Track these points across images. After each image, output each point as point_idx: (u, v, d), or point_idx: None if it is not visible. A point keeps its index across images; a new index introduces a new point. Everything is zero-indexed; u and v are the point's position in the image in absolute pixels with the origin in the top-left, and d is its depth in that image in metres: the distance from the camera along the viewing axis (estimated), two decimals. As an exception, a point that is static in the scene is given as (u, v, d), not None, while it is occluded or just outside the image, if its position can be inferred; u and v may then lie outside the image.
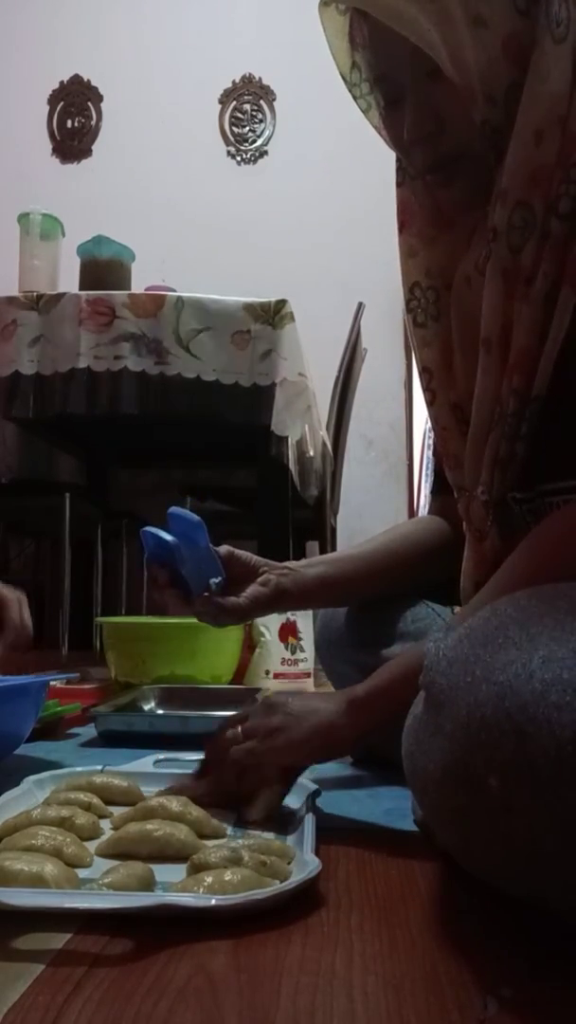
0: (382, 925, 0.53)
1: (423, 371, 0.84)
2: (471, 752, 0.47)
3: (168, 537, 0.80)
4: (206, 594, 0.82)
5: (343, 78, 0.79)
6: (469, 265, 0.76)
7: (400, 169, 0.82)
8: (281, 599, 0.89)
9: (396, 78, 0.73)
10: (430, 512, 1.01)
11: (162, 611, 0.89)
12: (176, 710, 1.35)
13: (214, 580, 0.83)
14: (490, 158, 0.70)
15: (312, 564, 0.94)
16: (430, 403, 0.84)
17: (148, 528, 0.82)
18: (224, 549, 0.86)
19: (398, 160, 0.81)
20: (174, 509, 0.82)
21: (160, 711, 1.37)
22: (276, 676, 1.71)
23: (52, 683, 1.21)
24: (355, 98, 0.80)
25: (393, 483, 3.42)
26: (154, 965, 0.46)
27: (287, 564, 0.92)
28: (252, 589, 0.87)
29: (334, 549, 2.76)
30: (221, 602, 0.84)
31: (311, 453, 2.21)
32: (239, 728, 0.77)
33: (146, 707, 1.36)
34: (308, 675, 1.73)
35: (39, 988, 0.44)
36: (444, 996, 0.43)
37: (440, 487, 0.94)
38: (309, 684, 1.73)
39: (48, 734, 1.21)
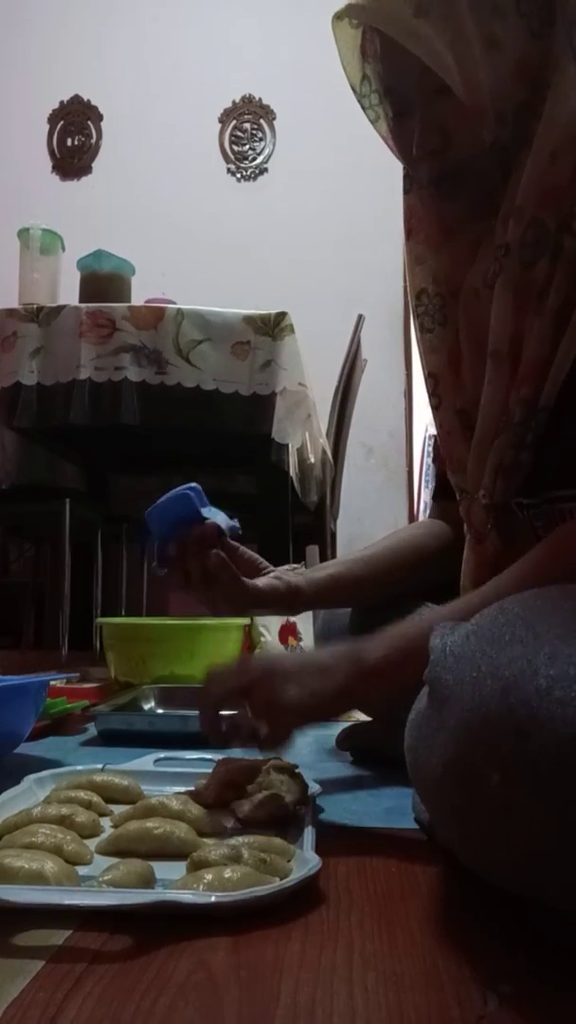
0: (382, 922, 0.52)
1: (429, 376, 0.84)
2: (473, 748, 0.48)
3: (179, 489, 0.83)
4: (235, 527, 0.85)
5: (353, 89, 0.79)
6: (476, 278, 0.77)
7: (407, 176, 0.82)
8: (295, 596, 0.90)
9: (405, 91, 0.73)
10: (431, 516, 1.02)
11: (163, 611, 0.89)
12: (176, 710, 1.34)
13: (233, 522, 0.85)
14: (496, 175, 0.71)
15: (320, 568, 0.95)
16: (435, 408, 0.84)
17: (147, 512, 0.83)
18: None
19: (405, 168, 0.82)
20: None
21: (160, 711, 1.36)
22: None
23: (52, 683, 1.21)
24: (364, 108, 0.80)
25: (393, 489, 3.46)
26: (154, 961, 0.46)
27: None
28: (267, 580, 0.88)
29: (334, 553, 2.78)
30: (244, 583, 0.86)
31: (311, 460, 2.23)
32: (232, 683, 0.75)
33: (146, 707, 1.36)
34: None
35: (39, 984, 0.44)
36: (444, 993, 0.43)
37: (442, 493, 0.95)
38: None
39: (58, 729, 1.23)
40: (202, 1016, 0.41)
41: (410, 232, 0.84)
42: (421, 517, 0.92)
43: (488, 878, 0.52)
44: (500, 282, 0.71)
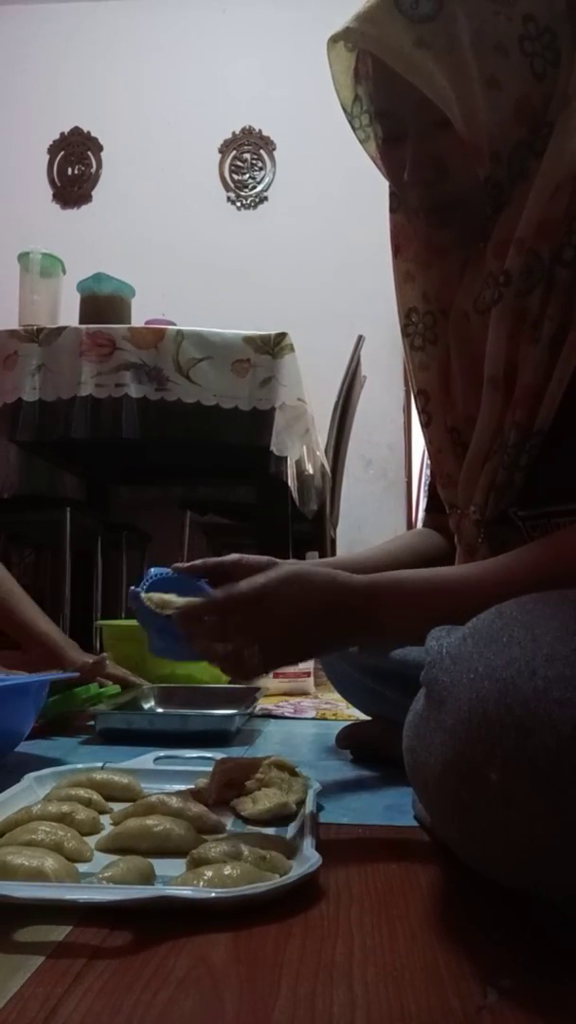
0: (382, 918, 0.53)
1: (419, 393, 0.85)
2: (472, 747, 0.48)
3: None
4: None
5: (344, 109, 0.80)
6: (466, 302, 0.77)
7: (393, 195, 0.82)
8: None
9: (398, 116, 0.73)
10: (424, 526, 1.02)
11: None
12: (175, 709, 1.35)
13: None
14: (487, 209, 0.72)
15: (326, 563, 0.95)
16: (425, 424, 0.85)
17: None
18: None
19: (391, 187, 0.82)
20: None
21: (159, 710, 1.37)
22: (276, 676, 1.71)
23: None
24: (354, 129, 0.81)
25: (392, 498, 3.53)
26: (154, 957, 0.46)
27: None
28: None
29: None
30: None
31: (309, 471, 2.25)
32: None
33: (146, 706, 1.37)
34: (308, 674, 1.73)
35: (39, 979, 0.44)
36: (444, 987, 0.43)
37: (434, 505, 0.96)
38: (309, 684, 1.73)
39: (59, 728, 1.23)
40: (202, 1009, 0.41)
41: (398, 249, 0.84)
42: (417, 525, 0.93)
43: (487, 874, 0.52)
44: (498, 310, 0.72)
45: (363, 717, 1.13)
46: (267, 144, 3.73)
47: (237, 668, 0.70)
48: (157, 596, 0.75)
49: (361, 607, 0.69)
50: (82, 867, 0.60)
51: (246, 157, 3.73)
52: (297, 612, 0.68)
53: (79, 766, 0.86)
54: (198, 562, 0.76)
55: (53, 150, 3.82)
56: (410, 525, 3.43)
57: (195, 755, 0.94)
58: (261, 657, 0.69)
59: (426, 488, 1.02)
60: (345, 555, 1.00)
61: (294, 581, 0.69)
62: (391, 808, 0.78)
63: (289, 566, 0.71)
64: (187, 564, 0.77)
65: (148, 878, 0.57)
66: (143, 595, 0.76)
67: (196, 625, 0.70)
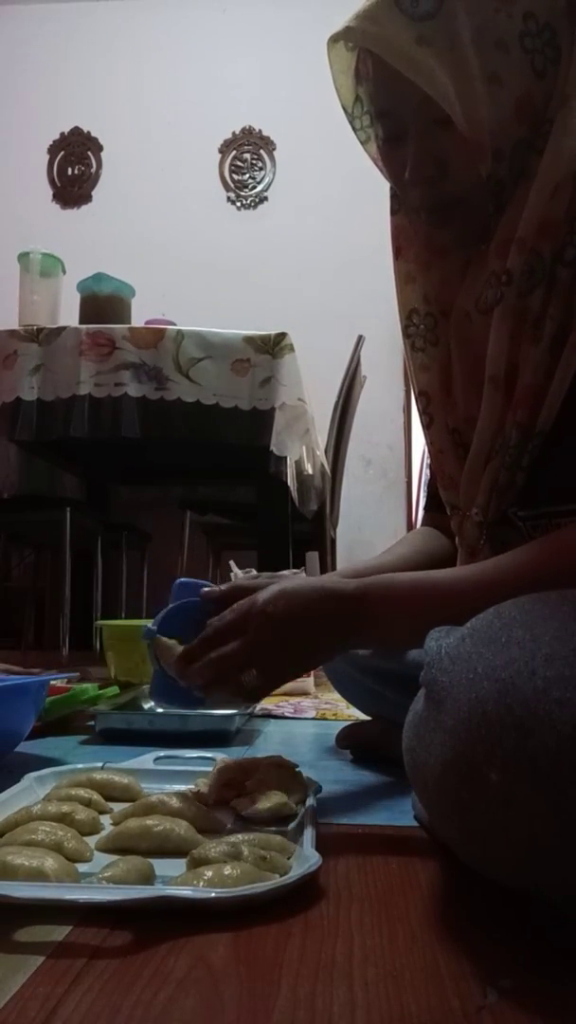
0: (382, 918, 0.53)
1: (420, 395, 0.85)
2: (472, 747, 0.48)
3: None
4: None
5: (344, 110, 0.79)
6: (468, 302, 0.77)
7: (395, 197, 0.82)
8: None
9: (399, 116, 0.73)
10: (423, 524, 1.02)
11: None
12: (175, 709, 1.34)
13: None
14: (489, 208, 0.72)
15: (333, 574, 0.95)
16: (427, 426, 0.85)
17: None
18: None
19: (392, 188, 0.82)
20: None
21: (159, 710, 1.36)
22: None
23: (53, 682, 1.22)
24: (355, 129, 0.80)
25: (392, 498, 3.54)
26: (154, 957, 0.46)
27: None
28: None
29: (334, 559, 2.82)
30: None
31: (309, 471, 2.25)
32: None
33: (146, 706, 1.36)
34: (308, 674, 1.73)
35: (39, 979, 0.44)
36: (444, 987, 0.43)
37: (434, 504, 0.96)
38: (309, 684, 1.73)
39: (59, 728, 1.23)
40: (202, 1008, 0.41)
41: (399, 251, 0.84)
42: (418, 525, 0.94)
43: (487, 874, 0.52)
44: (500, 310, 0.72)
45: (363, 717, 1.13)
46: (267, 144, 3.74)
47: (239, 694, 0.71)
48: (165, 643, 0.76)
49: (353, 611, 0.70)
50: (82, 867, 0.60)
51: (246, 157, 3.74)
52: (287, 627, 0.69)
53: (79, 766, 0.86)
54: (225, 587, 0.78)
55: (53, 150, 3.83)
56: (410, 525, 3.44)
57: (195, 755, 0.94)
58: (260, 678, 0.70)
59: (426, 487, 1.02)
60: (347, 566, 0.99)
61: (279, 598, 0.70)
62: (391, 808, 0.79)
63: (276, 585, 0.72)
64: (218, 592, 0.78)
65: (148, 878, 0.57)
66: (157, 637, 0.77)
67: (191, 670, 0.72)
